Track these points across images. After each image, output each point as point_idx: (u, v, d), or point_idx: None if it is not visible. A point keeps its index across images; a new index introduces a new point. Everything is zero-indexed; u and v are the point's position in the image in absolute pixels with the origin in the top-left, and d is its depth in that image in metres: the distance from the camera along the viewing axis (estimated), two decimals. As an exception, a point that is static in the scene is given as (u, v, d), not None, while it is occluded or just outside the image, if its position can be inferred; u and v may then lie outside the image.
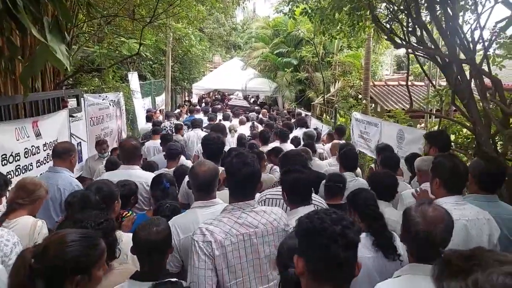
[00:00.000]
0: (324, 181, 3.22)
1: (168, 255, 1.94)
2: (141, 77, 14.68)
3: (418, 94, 12.45)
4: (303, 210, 2.07)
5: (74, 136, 5.64)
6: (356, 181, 3.68)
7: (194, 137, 6.71)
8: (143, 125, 9.47)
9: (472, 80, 3.48)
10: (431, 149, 3.37)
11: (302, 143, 6.12)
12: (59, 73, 5.86)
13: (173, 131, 7.58)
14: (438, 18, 3.61)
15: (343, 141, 6.18)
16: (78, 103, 5.78)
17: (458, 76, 3.47)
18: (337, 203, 2.93)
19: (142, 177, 3.24)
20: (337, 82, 12.56)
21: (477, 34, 3.69)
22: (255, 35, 18.72)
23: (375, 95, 11.62)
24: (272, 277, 1.93)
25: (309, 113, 11.86)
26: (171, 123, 8.54)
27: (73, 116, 5.60)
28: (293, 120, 9.78)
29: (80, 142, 6.24)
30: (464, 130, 4.61)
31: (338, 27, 4.95)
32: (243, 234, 1.86)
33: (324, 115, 11.93)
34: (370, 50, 10.41)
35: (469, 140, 4.27)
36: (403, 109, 9.14)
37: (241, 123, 8.67)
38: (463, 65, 3.61)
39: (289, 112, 13.03)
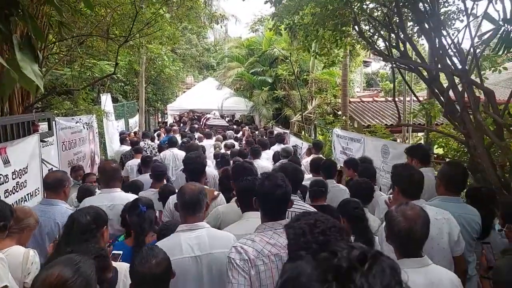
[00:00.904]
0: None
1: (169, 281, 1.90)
2: (113, 99, 14.22)
3: (393, 109, 12.76)
4: (252, 215, 2.37)
5: (45, 162, 5.22)
6: (337, 187, 4.09)
7: (170, 156, 6.59)
8: (118, 148, 9.06)
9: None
10: (413, 161, 3.50)
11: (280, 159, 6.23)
12: (28, 96, 5.48)
13: (154, 151, 7.52)
14: (427, 31, 3.63)
15: (320, 155, 6.29)
16: (50, 127, 5.38)
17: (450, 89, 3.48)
18: (321, 204, 3.33)
19: (124, 199, 3.11)
20: (314, 99, 12.66)
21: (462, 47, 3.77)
22: (229, 55, 18.75)
23: (351, 112, 11.79)
24: None
25: (287, 131, 11.82)
26: (145, 143, 8.21)
27: (44, 141, 5.19)
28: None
29: (51, 169, 5.78)
30: (451, 142, 4.64)
31: (321, 43, 4.94)
32: (274, 254, 1.88)
33: (303, 132, 11.93)
34: (347, 67, 10.60)
35: (459, 153, 4.27)
36: (386, 124, 9.27)
37: (218, 141, 8.56)
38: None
39: (265, 129, 13.03)
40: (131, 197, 3.21)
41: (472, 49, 3.39)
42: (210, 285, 2.08)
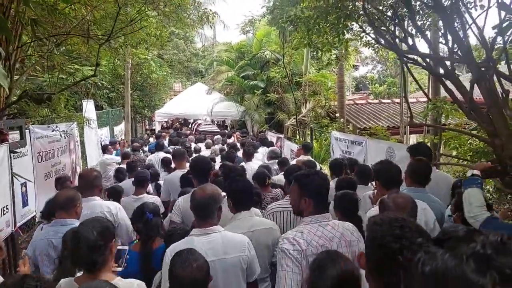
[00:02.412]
0: None
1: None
2: (97, 107, 13.60)
3: (388, 111, 12.54)
4: (245, 214, 2.57)
5: (16, 176, 4.64)
6: None
7: (155, 159, 6.82)
8: (101, 157, 8.51)
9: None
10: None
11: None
12: (-1, 101, 4.92)
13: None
14: (450, 20, 3.23)
15: (308, 157, 6.49)
16: (22, 136, 4.82)
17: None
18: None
19: (104, 207, 3.19)
20: (307, 102, 12.26)
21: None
22: (218, 59, 18.24)
23: (346, 114, 11.46)
24: None
25: (281, 135, 11.40)
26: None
27: (15, 152, 4.63)
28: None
29: (25, 183, 5.20)
30: (466, 143, 4.27)
31: (324, 38, 4.53)
32: (321, 245, 1.99)
33: (297, 136, 11.51)
34: (344, 67, 10.22)
35: (478, 154, 3.88)
36: (387, 126, 8.94)
37: (207, 146, 8.60)
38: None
39: (256, 136, 12.68)
40: (111, 204, 3.27)
41: (501, 39, 3.01)
42: (227, 286, 2.12)
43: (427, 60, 4.44)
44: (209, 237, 2.13)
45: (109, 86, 14.65)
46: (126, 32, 5.43)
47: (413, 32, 4.56)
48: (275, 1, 3.79)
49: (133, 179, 4.43)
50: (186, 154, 5.30)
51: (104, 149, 8.59)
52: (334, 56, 6.82)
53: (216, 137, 9.96)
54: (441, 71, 4.04)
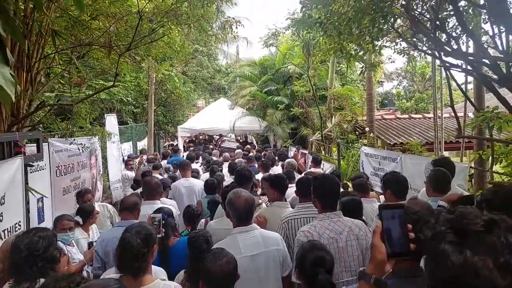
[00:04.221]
0: None
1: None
2: (123, 122, 13.71)
3: (421, 126, 11.92)
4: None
5: (32, 191, 4.44)
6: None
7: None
8: (124, 171, 8.38)
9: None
10: None
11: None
12: (18, 113, 4.81)
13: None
14: (508, 16, 2.81)
15: (319, 170, 6.73)
16: (39, 149, 4.65)
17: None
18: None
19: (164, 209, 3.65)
20: (333, 117, 11.80)
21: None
22: (241, 74, 18.15)
23: (375, 129, 10.92)
24: (357, 271, 2.10)
25: (306, 151, 10.95)
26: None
27: (31, 165, 4.45)
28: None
29: (41, 198, 5.01)
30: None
31: (356, 43, 4.17)
32: (331, 237, 2.31)
33: (322, 152, 11.03)
34: (372, 80, 9.76)
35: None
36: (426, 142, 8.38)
37: (225, 160, 8.90)
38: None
39: (276, 150, 12.43)
40: (173, 208, 3.83)
41: None
42: (267, 277, 2.33)
43: (474, 65, 3.97)
44: (250, 233, 2.41)
45: (134, 102, 14.78)
46: (146, 41, 5.27)
47: (455, 35, 4.14)
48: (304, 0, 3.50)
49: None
50: (190, 165, 6.16)
51: (126, 164, 8.49)
52: (365, 63, 6.42)
53: (237, 151, 10.27)
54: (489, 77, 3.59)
